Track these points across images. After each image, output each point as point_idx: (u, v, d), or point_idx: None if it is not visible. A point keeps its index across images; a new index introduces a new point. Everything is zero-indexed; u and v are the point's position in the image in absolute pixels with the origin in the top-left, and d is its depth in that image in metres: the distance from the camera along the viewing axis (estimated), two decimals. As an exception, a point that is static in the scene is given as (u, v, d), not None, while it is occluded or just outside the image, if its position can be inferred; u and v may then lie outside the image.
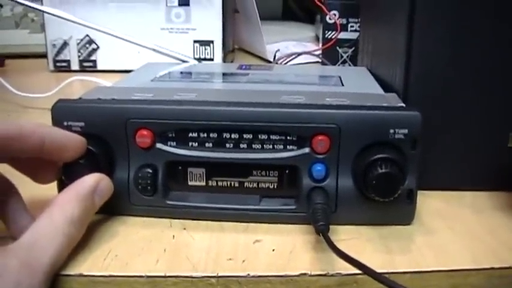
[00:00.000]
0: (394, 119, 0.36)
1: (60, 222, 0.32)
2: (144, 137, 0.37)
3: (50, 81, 0.81)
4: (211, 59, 0.86)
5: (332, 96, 0.41)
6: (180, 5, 0.85)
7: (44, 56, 0.89)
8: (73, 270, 0.32)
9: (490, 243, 0.36)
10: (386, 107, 0.38)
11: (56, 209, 0.33)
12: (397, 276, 0.32)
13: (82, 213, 0.33)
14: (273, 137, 0.37)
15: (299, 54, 0.84)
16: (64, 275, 0.32)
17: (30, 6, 0.77)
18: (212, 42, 0.86)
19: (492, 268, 0.33)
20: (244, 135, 0.37)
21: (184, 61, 0.70)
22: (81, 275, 0.32)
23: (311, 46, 0.96)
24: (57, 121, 0.38)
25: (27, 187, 0.37)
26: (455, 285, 0.33)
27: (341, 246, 0.32)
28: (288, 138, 0.37)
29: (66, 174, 0.36)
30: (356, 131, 0.36)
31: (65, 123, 0.38)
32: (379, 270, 0.30)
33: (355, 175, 0.36)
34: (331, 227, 0.34)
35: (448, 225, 0.38)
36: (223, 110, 0.37)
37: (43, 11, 0.78)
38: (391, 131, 0.36)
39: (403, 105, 0.39)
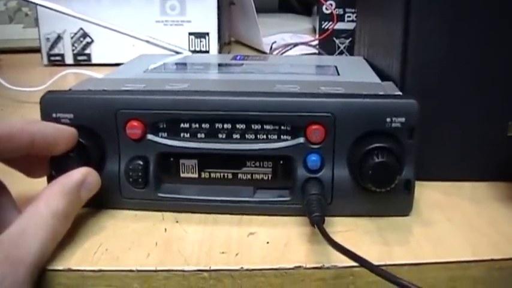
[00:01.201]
0: (390, 107, 0.35)
1: (45, 215, 0.31)
2: (134, 128, 0.36)
3: (44, 76, 0.80)
4: (207, 51, 0.85)
5: (327, 85, 0.40)
6: (174, -4, 0.84)
7: (38, 50, 0.88)
8: (62, 264, 0.32)
9: (489, 235, 0.35)
10: (383, 95, 0.37)
11: (41, 202, 0.32)
12: (395, 269, 0.32)
13: (67, 207, 0.33)
14: (266, 127, 0.36)
15: (295, 45, 0.83)
16: (53, 270, 0.31)
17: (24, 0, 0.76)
18: (207, 34, 0.85)
19: (492, 260, 0.33)
20: (237, 126, 0.36)
21: (178, 52, 0.69)
22: (70, 270, 0.31)
23: (308, 38, 0.95)
24: (46, 113, 0.37)
25: (21, 184, 0.36)
26: (454, 277, 0.32)
27: (337, 238, 0.31)
28: (282, 128, 0.36)
29: (55, 168, 0.35)
30: (351, 120, 0.35)
31: (54, 115, 0.37)
32: (376, 263, 0.29)
33: (351, 165, 0.36)
34: (327, 218, 0.33)
35: (447, 217, 0.37)
36: (215, 99, 0.36)
37: (37, 4, 0.77)
38: (388, 119, 0.35)
39: (400, 93, 0.38)
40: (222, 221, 0.37)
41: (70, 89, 0.39)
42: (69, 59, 0.87)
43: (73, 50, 0.86)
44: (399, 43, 0.41)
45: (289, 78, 0.44)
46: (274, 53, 0.83)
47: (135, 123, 0.36)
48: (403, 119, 0.35)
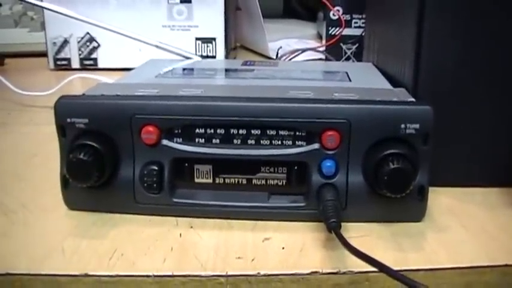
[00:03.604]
0: (405, 114, 0.35)
1: None
2: (149, 134, 0.36)
3: (50, 80, 0.80)
4: (214, 57, 0.85)
5: (340, 91, 0.40)
6: (181, 1, 0.84)
7: (44, 54, 0.88)
8: (78, 270, 0.32)
9: (503, 240, 0.35)
10: (397, 101, 0.37)
11: None
12: (410, 274, 0.31)
13: None
14: (281, 132, 0.36)
15: (303, 50, 0.83)
16: (69, 275, 0.31)
17: (30, 3, 0.76)
18: (214, 39, 0.85)
19: (506, 265, 0.33)
20: (252, 131, 0.36)
21: (187, 57, 0.69)
22: (86, 275, 0.31)
23: (313, 43, 0.95)
24: (60, 118, 0.37)
25: (28, 187, 0.36)
26: (470, 283, 0.33)
27: (352, 243, 0.31)
28: (297, 133, 0.36)
29: (70, 173, 0.36)
30: (366, 126, 0.35)
31: (69, 120, 0.37)
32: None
33: (366, 171, 0.36)
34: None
35: (460, 222, 0.37)
36: (230, 105, 0.36)
37: (43, 7, 0.78)
38: (402, 126, 0.35)
39: (413, 99, 0.38)
40: (237, 226, 0.37)
41: (83, 94, 0.39)
42: (75, 64, 0.87)
43: (79, 55, 0.86)
44: (412, 49, 0.41)
45: (301, 84, 0.44)
46: (282, 58, 0.83)
47: (150, 128, 0.36)
48: (417, 126, 0.35)
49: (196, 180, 0.37)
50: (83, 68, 0.87)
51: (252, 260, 0.33)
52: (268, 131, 0.36)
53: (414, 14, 0.41)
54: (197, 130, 0.36)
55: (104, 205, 0.38)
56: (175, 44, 0.78)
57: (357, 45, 0.80)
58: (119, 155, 0.37)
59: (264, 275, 0.32)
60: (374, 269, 0.30)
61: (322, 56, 0.84)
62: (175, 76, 0.50)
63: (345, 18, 0.79)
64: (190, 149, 0.37)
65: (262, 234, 0.36)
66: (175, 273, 0.32)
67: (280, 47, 0.90)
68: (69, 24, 0.81)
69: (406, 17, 0.43)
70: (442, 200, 0.40)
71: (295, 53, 0.82)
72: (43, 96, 0.64)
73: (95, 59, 0.87)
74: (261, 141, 0.36)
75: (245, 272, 0.32)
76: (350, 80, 0.47)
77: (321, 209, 0.34)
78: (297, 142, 0.36)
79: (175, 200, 0.37)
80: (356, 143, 0.36)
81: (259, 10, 0.89)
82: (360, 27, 0.79)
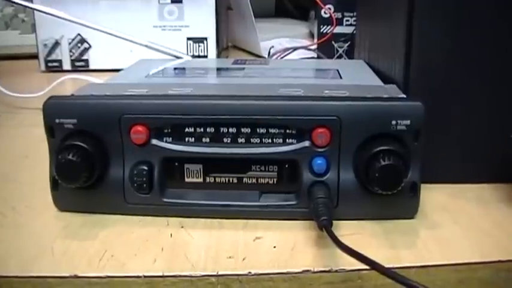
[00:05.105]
0: (395, 110, 0.35)
1: None
2: (139, 133, 0.36)
3: (41, 82, 0.80)
4: (205, 57, 0.85)
5: (331, 88, 0.40)
6: (172, 2, 0.84)
7: (35, 56, 0.87)
8: (68, 271, 0.31)
9: (496, 236, 0.35)
10: (388, 98, 0.37)
11: None
12: (403, 271, 0.31)
13: None
14: (271, 130, 0.36)
15: (295, 49, 0.83)
16: (59, 277, 0.31)
17: (21, 5, 0.75)
18: (206, 39, 0.84)
19: (499, 261, 0.33)
20: (242, 129, 0.36)
21: (178, 57, 0.69)
22: (76, 277, 0.31)
23: (305, 42, 0.95)
24: (49, 118, 0.37)
25: (18, 189, 0.36)
26: (463, 279, 0.32)
27: (344, 241, 0.31)
28: (288, 131, 0.36)
29: (60, 173, 0.35)
30: (357, 123, 0.35)
31: (57, 121, 0.36)
32: (384, 265, 0.29)
33: (357, 168, 0.35)
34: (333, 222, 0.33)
35: (453, 219, 0.37)
36: (220, 103, 0.36)
37: (34, 9, 0.77)
38: (393, 122, 0.35)
39: (404, 96, 0.38)
40: (228, 225, 0.36)
41: (72, 94, 0.39)
42: (66, 65, 0.87)
43: (71, 56, 0.86)
44: (402, 45, 0.41)
45: (292, 82, 0.44)
46: (274, 57, 0.83)
47: (139, 128, 0.36)
48: (408, 122, 0.35)
49: (187, 179, 0.37)
50: (75, 69, 0.86)
51: (243, 259, 0.32)
52: (258, 129, 0.36)
53: (404, 11, 0.40)
54: (187, 129, 0.36)
55: (93, 206, 0.38)
56: (167, 44, 0.77)
57: (348, 43, 0.80)
58: (108, 155, 0.37)
59: (255, 274, 0.31)
60: (366, 266, 0.29)
61: (314, 55, 0.83)
62: (165, 76, 0.50)
63: (336, 16, 0.79)
64: (180, 148, 0.36)
65: (253, 233, 0.35)
66: (165, 274, 0.31)
67: (272, 46, 0.90)
68: (60, 25, 0.80)
69: (396, 14, 0.43)
70: (435, 196, 0.40)
71: (287, 52, 0.82)
72: (34, 98, 0.63)
73: (86, 60, 0.86)
74: (251, 140, 0.36)
75: (236, 272, 0.31)
76: (341, 77, 0.46)
77: (312, 207, 0.34)
78: (287, 140, 0.36)
79: (165, 200, 0.37)
80: (347, 140, 0.35)
81: (251, 9, 0.89)
82: (351, 25, 0.78)
